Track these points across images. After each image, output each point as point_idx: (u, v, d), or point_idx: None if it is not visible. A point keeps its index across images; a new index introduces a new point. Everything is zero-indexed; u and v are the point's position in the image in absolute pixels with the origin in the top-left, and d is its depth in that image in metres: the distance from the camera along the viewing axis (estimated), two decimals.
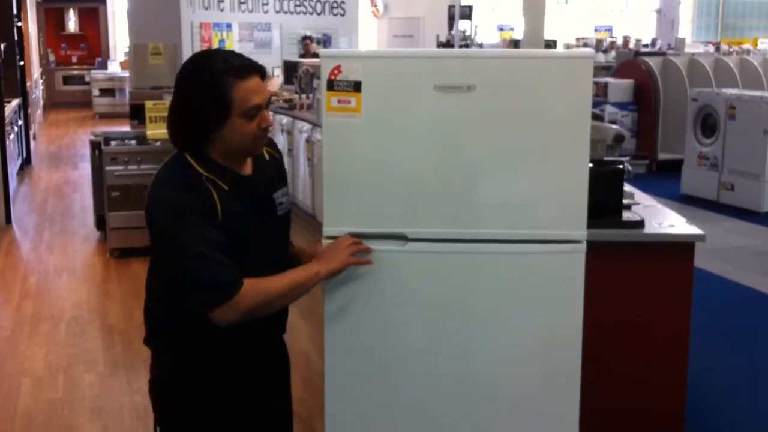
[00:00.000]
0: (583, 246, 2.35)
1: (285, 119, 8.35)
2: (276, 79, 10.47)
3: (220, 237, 2.10)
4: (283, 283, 2.18)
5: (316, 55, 11.44)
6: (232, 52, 2.17)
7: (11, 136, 9.03)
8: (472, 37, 15.29)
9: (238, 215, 2.16)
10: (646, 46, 14.61)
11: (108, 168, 6.63)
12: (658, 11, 19.20)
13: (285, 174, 2.42)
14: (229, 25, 12.90)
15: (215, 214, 2.11)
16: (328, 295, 2.36)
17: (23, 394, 4.35)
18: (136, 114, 7.62)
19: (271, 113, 2.20)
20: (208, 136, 2.14)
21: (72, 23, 19.48)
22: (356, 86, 2.30)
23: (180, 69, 2.19)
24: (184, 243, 2.08)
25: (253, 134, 2.14)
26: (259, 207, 2.24)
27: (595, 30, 18.61)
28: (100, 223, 7.06)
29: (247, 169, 2.25)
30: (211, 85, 2.09)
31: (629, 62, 11.49)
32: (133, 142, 6.95)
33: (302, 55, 11.66)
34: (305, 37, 12.25)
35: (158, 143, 6.86)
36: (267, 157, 2.33)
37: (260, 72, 2.15)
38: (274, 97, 9.35)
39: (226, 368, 2.26)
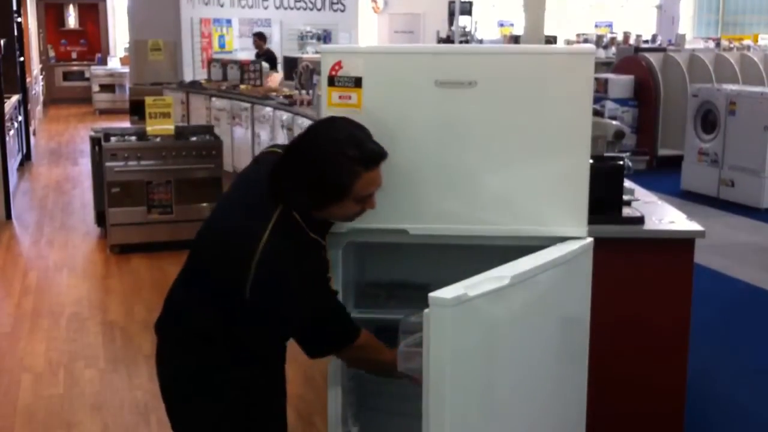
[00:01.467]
0: (590, 242, 2.35)
1: (285, 115, 8.35)
2: (276, 75, 10.46)
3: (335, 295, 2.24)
4: (386, 358, 2.29)
5: (269, 53, 11.39)
6: (365, 133, 2.15)
7: (11, 132, 9.02)
8: (473, 33, 15.27)
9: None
10: (646, 42, 14.59)
11: (108, 164, 6.62)
12: (659, 7, 19.18)
13: None
14: (229, 21, 12.90)
15: (327, 269, 2.22)
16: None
17: (23, 389, 4.35)
18: (136, 110, 7.64)
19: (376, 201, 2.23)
20: (319, 208, 2.14)
21: (72, 19, 19.45)
22: (357, 82, 2.30)
23: (314, 132, 2.16)
24: (310, 302, 2.16)
25: (355, 214, 2.20)
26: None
27: (596, 26, 18.60)
28: (100, 219, 7.06)
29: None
30: (340, 170, 2.07)
31: (629, 58, 11.48)
32: (133, 138, 6.95)
33: (257, 54, 11.47)
34: (256, 33, 11.94)
35: (158, 139, 6.86)
36: None
37: (384, 159, 2.16)
38: (274, 93, 9.35)
39: (258, 362, 2.28)
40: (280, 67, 11.12)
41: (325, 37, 13.27)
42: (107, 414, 4.07)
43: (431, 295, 1.87)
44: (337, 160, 2.07)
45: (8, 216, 7.99)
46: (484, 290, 1.95)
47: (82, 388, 4.37)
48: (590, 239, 2.37)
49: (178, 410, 2.33)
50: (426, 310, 1.87)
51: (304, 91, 8.59)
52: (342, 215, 2.19)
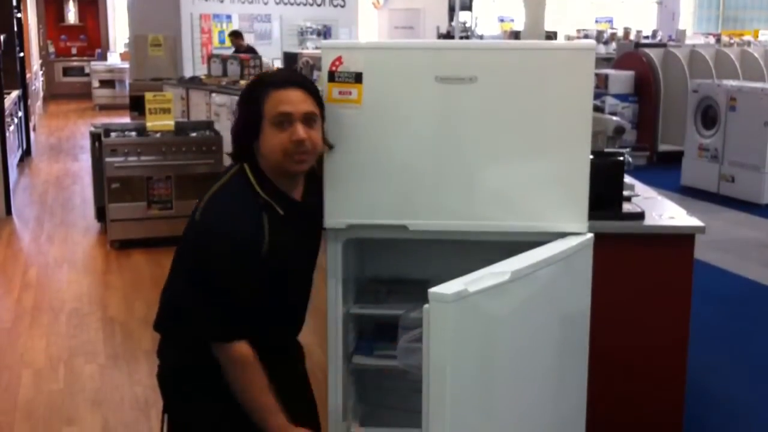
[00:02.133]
0: (591, 238, 2.35)
1: None
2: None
3: (251, 281, 2.14)
4: (253, 398, 2.18)
5: (250, 49, 11.29)
6: (289, 69, 2.22)
7: (11, 128, 9.02)
8: (473, 28, 15.27)
9: (284, 245, 2.19)
10: (646, 37, 14.59)
11: (108, 159, 6.62)
12: (659, 2, 19.16)
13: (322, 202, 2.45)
14: (229, 17, 12.89)
15: (261, 246, 2.14)
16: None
17: (24, 385, 4.35)
18: (136, 105, 7.63)
19: (315, 132, 2.21)
20: (253, 149, 2.19)
21: (72, 14, 19.43)
22: (357, 77, 2.30)
23: None
24: (216, 276, 2.12)
25: (283, 146, 2.15)
26: (303, 234, 2.29)
27: (596, 21, 18.59)
28: (101, 214, 7.06)
29: (298, 193, 2.28)
30: (251, 94, 2.18)
31: (630, 54, 11.47)
32: (133, 133, 6.94)
33: (235, 51, 11.35)
34: (232, 33, 11.69)
35: (158, 135, 6.85)
36: (318, 174, 2.37)
37: (304, 87, 2.18)
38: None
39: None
40: (279, 62, 11.10)
41: (325, 32, 13.27)
42: (107, 409, 4.08)
43: (431, 290, 1.87)
44: (253, 86, 2.22)
45: (8, 212, 7.99)
46: (484, 286, 1.95)
47: (83, 383, 4.38)
48: (590, 235, 2.37)
49: (177, 409, 2.33)
50: (426, 306, 1.87)
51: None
52: (270, 151, 2.16)
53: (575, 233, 2.35)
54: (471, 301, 1.90)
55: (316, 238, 2.37)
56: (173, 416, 2.35)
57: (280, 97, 2.14)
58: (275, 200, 2.19)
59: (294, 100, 2.15)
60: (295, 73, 2.25)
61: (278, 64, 11.03)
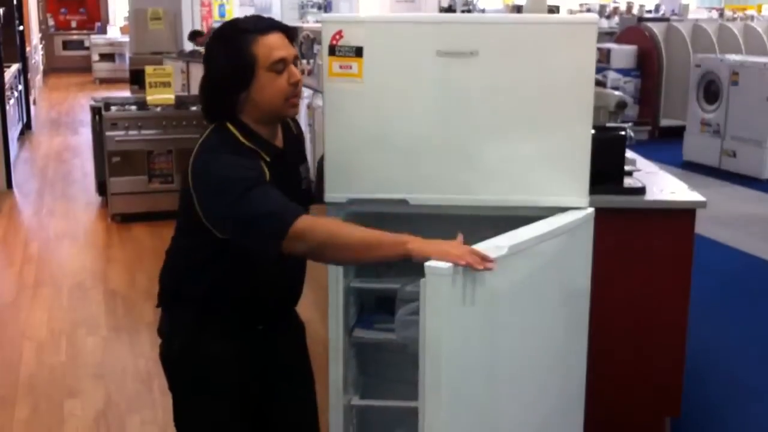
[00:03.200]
0: (592, 212, 2.35)
1: None
2: None
3: (266, 184, 2.08)
4: (355, 232, 2.02)
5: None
6: (256, 15, 2.19)
7: (11, 101, 9.00)
8: (474, 2, 15.15)
9: (278, 187, 2.15)
10: (649, 11, 14.47)
11: (108, 133, 6.61)
12: None
13: (305, 147, 2.43)
14: None
15: (264, 174, 2.10)
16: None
17: (26, 358, 4.38)
18: (136, 79, 7.60)
19: (299, 73, 2.20)
20: (239, 101, 2.14)
21: None
22: (358, 51, 2.29)
23: (207, 41, 2.20)
24: (238, 194, 2.02)
25: (284, 91, 2.13)
26: (289, 181, 2.25)
27: None
28: (101, 188, 7.06)
29: (279, 141, 2.26)
30: (233, 44, 2.10)
31: (632, 28, 11.40)
32: (134, 107, 6.93)
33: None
34: (191, 34, 11.09)
35: (159, 108, 6.84)
36: (294, 130, 2.35)
37: (283, 30, 2.16)
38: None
39: (241, 334, 2.27)
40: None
41: (326, 6, 13.18)
42: (110, 382, 4.10)
43: (428, 264, 1.87)
44: (230, 36, 2.12)
45: (9, 185, 7.99)
46: None
47: (85, 356, 4.40)
48: (591, 209, 2.37)
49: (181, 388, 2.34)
50: (422, 279, 1.88)
51: (304, 61, 8.55)
52: (270, 97, 2.12)
53: (576, 208, 2.35)
54: (467, 275, 1.90)
55: (304, 190, 2.32)
56: (176, 393, 2.36)
57: (270, 43, 2.10)
58: (260, 147, 2.15)
59: (283, 44, 2.13)
60: (268, 18, 2.19)
61: None
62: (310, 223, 2.01)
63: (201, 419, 2.31)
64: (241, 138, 2.15)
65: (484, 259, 1.93)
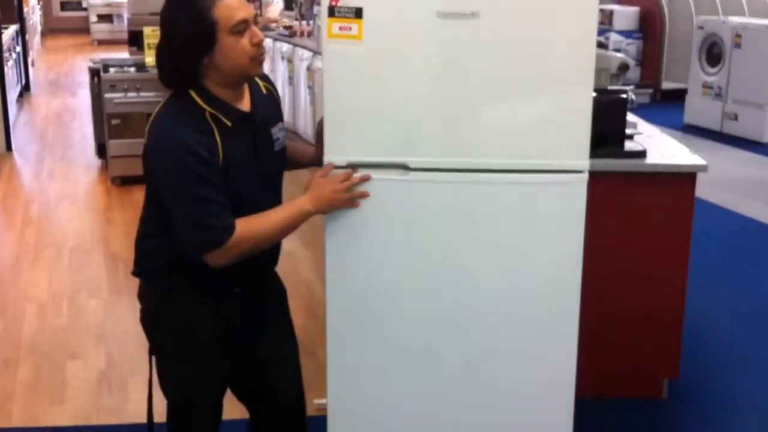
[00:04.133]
0: (585, 176, 2.35)
1: (285, 47, 8.25)
2: (276, 5, 10.31)
3: (219, 179, 2.11)
4: (272, 224, 2.20)
5: None
6: None
7: (9, 63, 8.95)
8: None
9: (238, 155, 2.17)
10: None
11: (107, 95, 6.58)
12: None
13: (281, 108, 2.42)
14: None
15: (216, 155, 2.12)
16: (329, 224, 2.36)
17: (28, 320, 4.40)
18: (135, 40, 7.52)
19: (260, 32, 2.19)
20: (201, 67, 2.12)
21: None
22: (357, 12, 2.27)
23: (162, 7, 2.16)
24: (183, 186, 2.09)
25: (248, 52, 2.12)
26: (258, 144, 2.25)
27: None
28: (101, 151, 7.05)
29: (246, 104, 2.24)
30: (191, 10, 2.07)
31: None
32: (132, 69, 6.89)
33: None
34: None
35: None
36: (264, 91, 2.33)
37: None
38: (274, 24, 9.23)
39: (216, 299, 2.29)
40: None
41: None
42: (111, 343, 4.13)
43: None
44: (186, 4, 2.08)
45: (8, 147, 7.97)
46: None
47: (86, 318, 4.43)
48: (585, 174, 2.35)
49: (161, 344, 2.37)
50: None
51: (304, 22, 8.48)
52: (235, 60, 2.11)
53: (576, 171, 2.34)
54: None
55: (276, 152, 2.31)
56: (158, 357, 2.38)
57: (229, 5, 2.08)
58: (221, 112, 2.15)
59: (242, 5, 2.11)
60: None
61: None
62: (237, 240, 2.11)
63: (178, 379, 2.36)
64: (202, 104, 2.14)
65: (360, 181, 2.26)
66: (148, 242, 2.33)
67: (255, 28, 2.15)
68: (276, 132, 2.31)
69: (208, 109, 2.14)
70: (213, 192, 2.09)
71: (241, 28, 2.10)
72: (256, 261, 2.27)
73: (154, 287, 2.34)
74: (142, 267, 2.36)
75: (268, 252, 2.32)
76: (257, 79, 2.32)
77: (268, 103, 2.33)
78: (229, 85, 2.18)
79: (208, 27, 2.07)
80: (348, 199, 2.28)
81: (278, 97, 2.43)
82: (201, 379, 2.35)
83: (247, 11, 2.12)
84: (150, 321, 2.36)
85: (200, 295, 2.28)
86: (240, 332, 2.35)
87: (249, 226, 2.14)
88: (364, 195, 2.30)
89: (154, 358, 2.39)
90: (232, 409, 2.56)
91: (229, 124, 2.15)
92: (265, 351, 2.42)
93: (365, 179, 2.28)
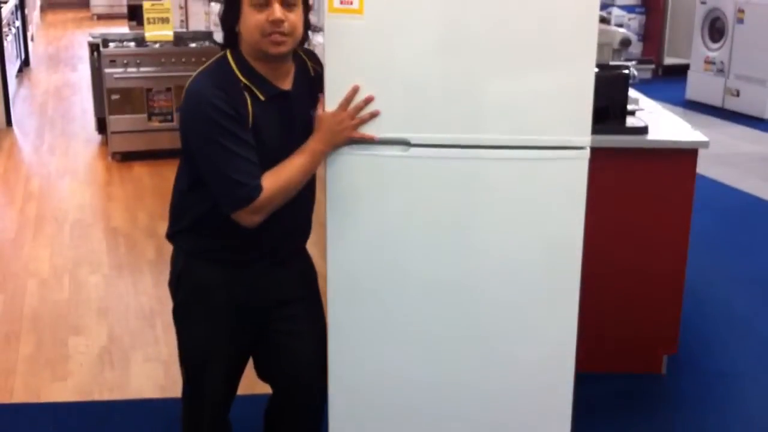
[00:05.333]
0: (587, 152, 2.34)
1: None
2: None
3: (248, 137, 2.16)
4: (293, 173, 2.21)
5: None
6: None
7: (9, 38, 8.90)
8: None
9: (268, 129, 2.20)
10: None
11: (107, 70, 6.55)
12: None
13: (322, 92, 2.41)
14: None
15: (246, 122, 2.16)
16: (330, 199, 2.36)
17: (29, 294, 4.41)
18: (134, 15, 7.49)
19: (292, 14, 2.19)
20: (235, 33, 2.21)
21: None
22: None
23: None
24: (211, 140, 2.13)
25: (261, 26, 2.14)
26: (292, 123, 2.27)
27: None
28: (101, 126, 7.03)
29: (287, 83, 2.27)
30: None
31: None
32: (132, 44, 6.86)
33: None
34: None
35: (157, 45, 6.76)
36: (312, 73, 2.35)
37: None
38: None
39: (235, 266, 2.32)
40: None
41: None
42: (113, 318, 4.14)
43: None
44: None
45: (8, 122, 7.95)
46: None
47: (88, 293, 4.44)
48: (586, 150, 2.35)
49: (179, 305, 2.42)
50: None
51: None
52: (250, 28, 2.16)
53: (577, 147, 2.34)
54: None
55: (308, 124, 2.32)
56: (175, 319, 2.43)
57: None
58: (255, 85, 2.20)
59: None
60: None
61: None
62: (265, 198, 2.16)
63: (192, 343, 2.41)
64: (239, 73, 2.20)
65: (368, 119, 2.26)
66: (178, 201, 2.37)
67: (277, 6, 2.15)
68: (314, 114, 2.33)
69: (243, 80, 2.19)
70: (241, 148, 2.14)
71: (261, 1, 2.14)
72: (277, 235, 2.31)
73: (180, 248, 2.38)
74: (172, 228, 2.39)
75: (291, 228, 2.37)
76: (308, 60, 2.37)
77: (314, 85, 2.33)
78: (261, 59, 2.21)
79: None
80: (356, 125, 2.26)
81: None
82: (214, 345, 2.37)
83: None
84: (173, 281, 2.41)
85: (219, 260, 2.32)
86: (256, 308, 2.37)
87: (275, 182, 2.18)
88: (375, 114, 2.27)
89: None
90: (256, 383, 2.60)
91: (262, 98, 2.20)
92: (285, 329, 2.43)
93: (369, 100, 2.26)
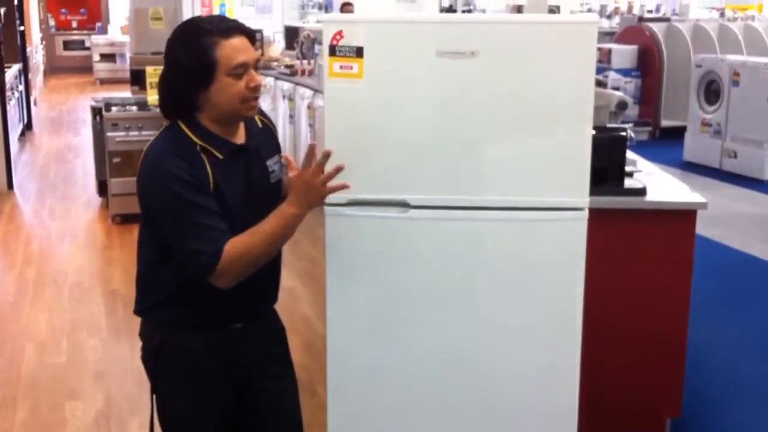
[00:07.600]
0: (585, 213, 2.35)
1: (286, 85, 8.31)
2: (277, 45, 10.40)
3: (210, 202, 2.13)
4: (262, 237, 2.15)
5: None
6: (219, 16, 2.21)
7: (12, 102, 9.00)
8: (475, 1, 15.15)
9: (230, 187, 2.18)
10: (650, 11, 14.48)
11: (109, 134, 6.61)
12: None
13: (278, 142, 2.43)
14: None
15: (207, 187, 2.14)
16: (329, 260, 2.36)
17: (27, 358, 4.38)
18: (137, 79, 7.58)
19: (261, 76, 2.20)
20: (197, 100, 2.16)
21: None
22: (358, 51, 2.29)
23: (168, 38, 2.19)
24: (174, 213, 2.12)
25: (242, 94, 2.15)
26: (252, 176, 2.26)
27: None
28: (102, 188, 7.06)
29: (240, 137, 2.26)
30: (195, 45, 2.10)
31: (633, 28, 11.40)
32: (134, 107, 6.93)
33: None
34: (345, 3, 11.45)
35: (159, 109, 6.82)
36: (260, 124, 2.35)
37: (246, 33, 2.17)
38: (275, 63, 9.31)
39: (216, 334, 2.29)
40: (281, 35, 11.02)
41: (326, 6, 13.17)
42: (110, 382, 4.10)
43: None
44: (192, 39, 2.12)
45: (10, 186, 7.99)
46: None
47: (86, 356, 4.40)
48: (585, 211, 2.36)
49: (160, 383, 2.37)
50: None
51: (305, 61, 8.55)
52: (228, 101, 2.14)
53: (576, 209, 2.34)
54: None
55: (273, 184, 2.32)
56: (158, 396, 2.37)
57: (233, 46, 2.12)
58: (211, 144, 2.18)
59: (245, 48, 2.14)
60: (230, 18, 2.21)
61: (280, 38, 10.97)
62: (227, 261, 2.10)
63: (178, 415, 2.35)
64: (193, 137, 2.17)
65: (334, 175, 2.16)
66: (148, 273, 2.33)
67: (254, 73, 2.17)
68: (272, 164, 2.33)
69: (199, 142, 2.16)
70: (202, 216, 2.11)
71: (240, 71, 2.13)
72: (254, 294, 2.28)
73: (155, 322, 2.33)
74: (142, 304, 2.35)
75: (265, 286, 2.33)
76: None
77: (264, 136, 2.34)
78: (223, 122, 2.20)
79: (208, 64, 2.10)
80: (324, 181, 2.16)
81: (275, 130, 2.44)
82: (202, 414, 2.33)
83: (249, 55, 2.15)
84: (152, 356, 2.34)
85: (200, 329, 2.28)
86: (239, 368, 2.34)
87: (237, 247, 2.13)
88: (340, 168, 2.16)
89: (155, 398, 2.37)
90: None
91: (221, 156, 2.18)
92: (265, 388, 2.40)
93: (339, 170, 2.17)
